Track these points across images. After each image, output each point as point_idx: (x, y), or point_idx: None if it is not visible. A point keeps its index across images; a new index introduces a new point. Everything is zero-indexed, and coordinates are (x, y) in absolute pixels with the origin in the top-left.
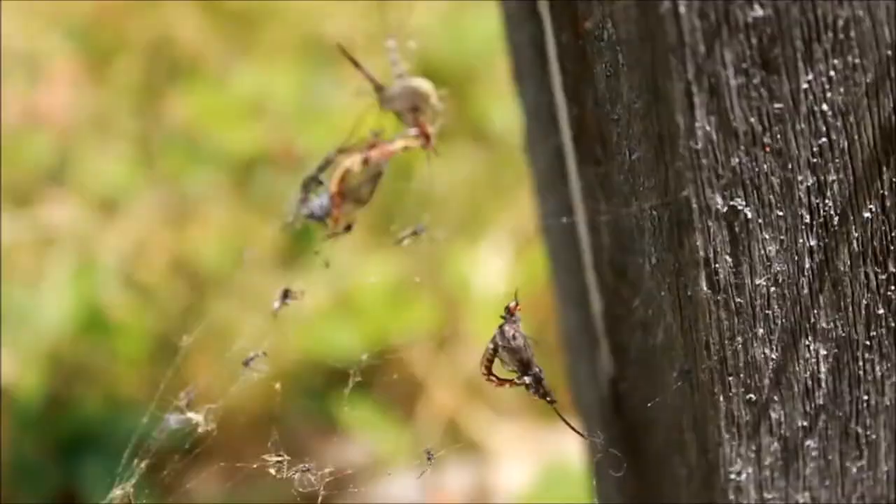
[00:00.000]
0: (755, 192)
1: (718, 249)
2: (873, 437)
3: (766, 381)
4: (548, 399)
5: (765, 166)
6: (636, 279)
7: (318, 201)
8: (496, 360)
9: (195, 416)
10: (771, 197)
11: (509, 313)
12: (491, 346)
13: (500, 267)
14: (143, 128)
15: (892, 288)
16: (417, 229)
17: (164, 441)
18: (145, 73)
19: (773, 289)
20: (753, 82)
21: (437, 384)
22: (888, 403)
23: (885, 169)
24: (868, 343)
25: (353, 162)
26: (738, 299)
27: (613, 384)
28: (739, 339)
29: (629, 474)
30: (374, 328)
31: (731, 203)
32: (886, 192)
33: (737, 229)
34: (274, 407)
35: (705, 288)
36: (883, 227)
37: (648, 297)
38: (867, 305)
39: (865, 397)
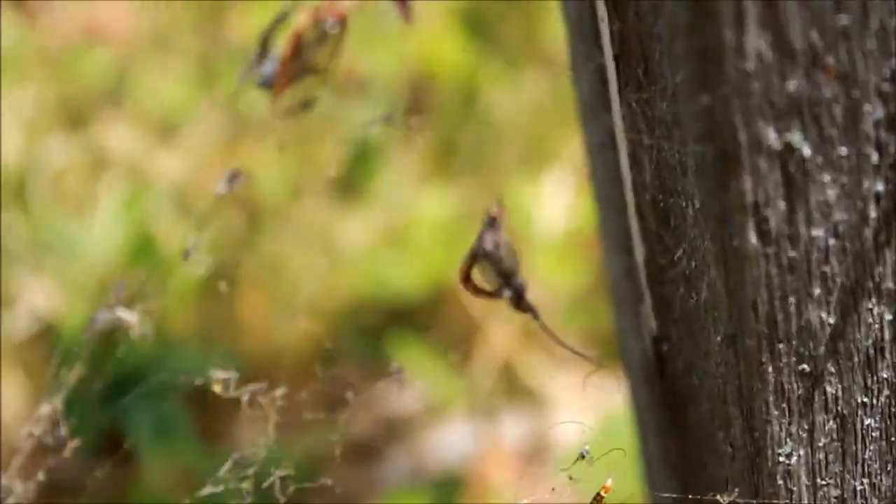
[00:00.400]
0: (815, 124)
1: (770, 193)
2: None
3: (822, 350)
4: (531, 314)
5: (827, 93)
6: (680, 225)
7: (270, 64)
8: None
9: (126, 315)
10: (833, 131)
11: (491, 219)
12: (470, 253)
13: (563, 202)
14: (203, 45)
15: None
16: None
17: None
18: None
19: (832, 241)
20: None
21: (494, 327)
22: None
23: None
24: None
25: (303, 23)
26: (791, 253)
27: (656, 343)
28: (792, 299)
29: (671, 443)
30: (430, 265)
31: (786, 138)
32: None
33: (792, 169)
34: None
35: (754, 239)
36: None
37: (692, 247)
38: None
39: None
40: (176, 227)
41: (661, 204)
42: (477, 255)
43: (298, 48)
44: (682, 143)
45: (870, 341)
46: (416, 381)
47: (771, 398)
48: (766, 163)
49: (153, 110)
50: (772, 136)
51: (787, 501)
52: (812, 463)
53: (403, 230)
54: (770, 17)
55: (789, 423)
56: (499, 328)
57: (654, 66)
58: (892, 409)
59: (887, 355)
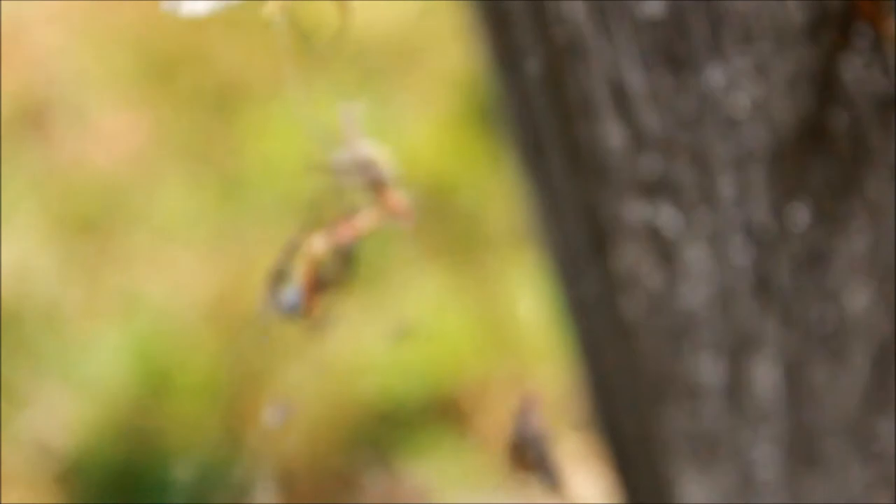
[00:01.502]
0: (677, 198)
1: (646, 265)
2: (838, 460)
3: (715, 407)
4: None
5: (682, 171)
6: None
7: (290, 296)
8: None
9: None
10: (694, 203)
11: (523, 407)
12: (510, 441)
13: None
14: (203, 162)
15: (839, 299)
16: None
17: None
18: (198, 105)
19: (711, 304)
20: (661, 82)
21: (497, 404)
22: (845, 422)
23: (811, 170)
24: (819, 357)
25: (318, 248)
26: (673, 318)
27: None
28: (680, 361)
29: None
30: (435, 370)
31: (654, 212)
32: (817, 194)
33: (663, 242)
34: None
35: (636, 307)
36: (820, 233)
37: (592, 322)
38: (816, 317)
39: (820, 417)
40: (189, 352)
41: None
42: (517, 444)
43: (317, 272)
44: (561, 230)
45: (759, 396)
46: (420, 465)
47: (670, 454)
48: (638, 237)
49: (154, 230)
50: (640, 212)
51: None
52: None
53: (409, 334)
54: (623, 108)
55: (693, 477)
56: (500, 406)
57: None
58: (790, 460)
59: (778, 408)
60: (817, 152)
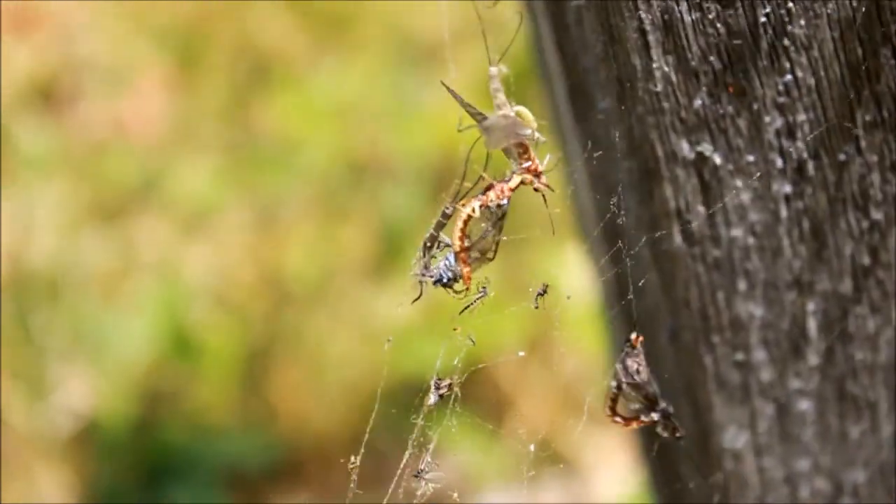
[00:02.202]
0: (722, 136)
1: (689, 199)
2: (872, 397)
3: (754, 340)
4: (677, 435)
5: (730, 108)
6: (622, 236)
7: (443, 262)
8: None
9: None
10: (739, 141)
11: (630, 346)
12: (614, 383)
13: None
14: (231, 137)
15: (877, 237)
16: (542, 291)
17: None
18: (233, 79)
19: (750, 240)
20: (709, 17)
21: (529, 395)
22: (884, 361)
23: (857, 108)
24: (856, 296)
25: (471, 208)
26: (715, 252)
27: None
28: (720, 294)
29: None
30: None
31: (698, 149)
32: (861, 133)
33: (706, 177)
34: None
35: (679, 241)
36: (861, 171)
37: (635, 257)
38: (851, 255)
39: (860, 355)
40: (209, 317)
41: (608, 218)
42: (621, 384)
43: (470, 239)
44: (615, 162)
45: (797, 331)
46: (454, 454)
47: (711, 387)
48: (683, 172)
49: (183, 204)
50: (686, 148)
51: (736, 480)
52: (756, 445)
53: (435, 306)
54: (672, 43)
55: (731, 410)
56: (536, 396)
57: (588, 96)
58: (825, 394)
59: (813, 343)
60: (862, 93)
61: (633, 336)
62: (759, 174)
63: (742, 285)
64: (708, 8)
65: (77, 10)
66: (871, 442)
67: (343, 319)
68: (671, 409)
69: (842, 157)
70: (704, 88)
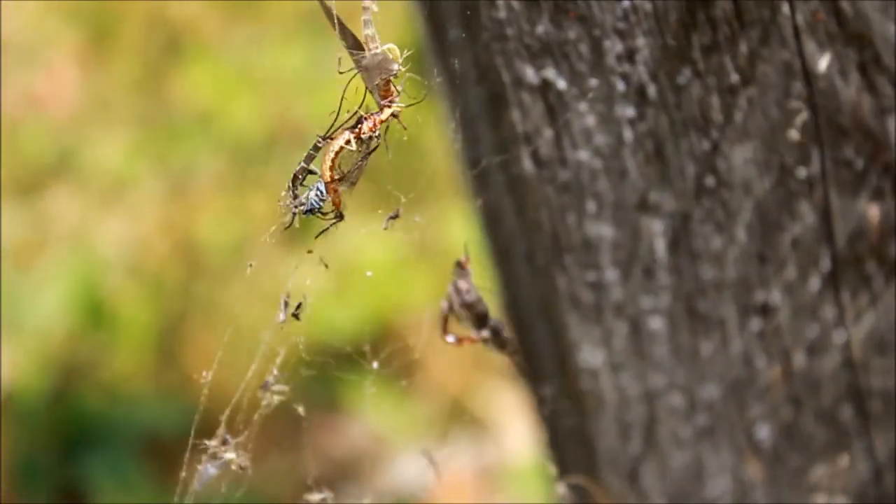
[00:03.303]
0: (565, 61)
1: (537, 123)
2: (720, 315)
3: (605, 260)
4: (507, 351)
5: (571, 34)
6: (481, 164)
7: (313, 192)
8: (452, 318)
9: (230, 456)
10: (582, 66)
11: (460, 267)
12: (445, 303)
13: None
14: (145, 110)
15: (719, 158)
16: (394, 214)
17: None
18: (146, 53)
19: (597, 162)
20: None
21: (439, 358)
22: (730, 279)
23: (693, 32)
24: (701, 216)
25: (344, 140)
26: (564, 175)
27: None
28: (571, 216)
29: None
30: (375, 306)
31: (543, 74)
32: (698, 56)
33: (552, 101)
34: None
35: (529, 165)
36: (699, 93)
37: (491, 184)
38: (695, 176)
39: (707, 274)
40: (124, 288)
41: (469, 150)
42: (452, 304)
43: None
44: (467, 91)
45: (645, 250)
46: (365, 417)
47: (565, 306)
48: (529, 97)
49: (98, 177)
50: (530, 74)
51: (594, 398)
52: (611, 363)
53: (345, 272)
54: None
55: (585, 329)
56: (441, 360)
57: (443, 28)
58: (675, 312)
59: (662, 262)
60: (696, 18)
61: (463, 258)
62: (602, 97)
63: (591, 207)
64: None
65: None
66: (722, 358)
67: (254, 287)
68: (501, 326)
69: (681, 80)
70: (546, 15)
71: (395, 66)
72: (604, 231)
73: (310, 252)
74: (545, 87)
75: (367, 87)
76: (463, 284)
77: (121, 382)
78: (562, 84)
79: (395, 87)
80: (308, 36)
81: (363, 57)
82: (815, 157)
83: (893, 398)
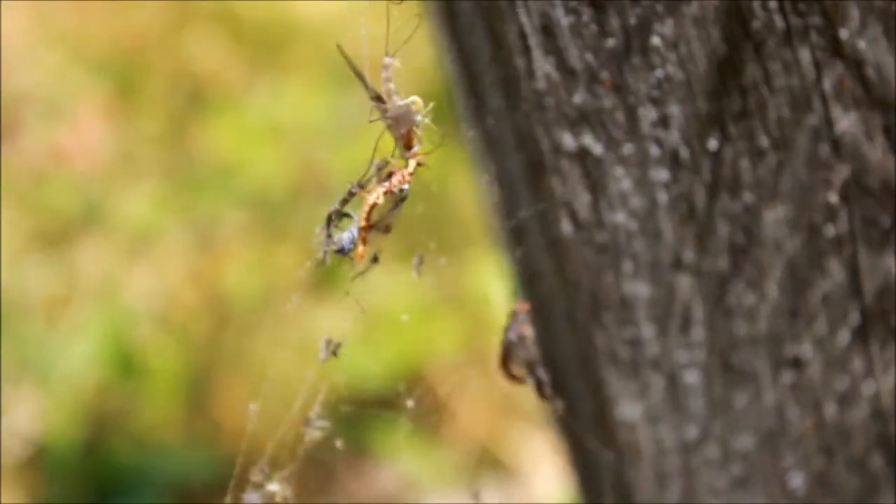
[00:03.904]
0: (602, 128)
1: (575, 188)
2: (754, 368)
3: (641, 317)
4: (551, 401)
5: (607, 102)
6: (521, 230)
7: (347, 234)
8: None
9: (274, 488)
10: (618, 132)
11: (514, 313)
12: (503, 343)
13: None
14: (170, 162)
15: (750, 217)
16: (419, 260)
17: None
18: (170, 105)
19: (633, 224)
20: (583, 20)
21: (468, 404)
22: (763, 334)
23: (724, 99)
24: (734, 274)
25: (377, 195)
26: (601, 236)
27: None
28: (609, 275)
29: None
30: (402, 353)
31: (581, 141)
32: (729, 122)
33: (589, 167)
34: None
35: (568, 227)
36: (731, 157)
37: (532, 245)
38: (728, 236)
39: (741, 329)
40: (153, 338)
41: (507, 211)
42: (508, 345)
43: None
44: (507, 155)
45: (681, 307)
46: (395, 463)
47: (604, 362)
48: (567, 163)
49: (125, 229)
50: (569, 141)
51: (632, 449)
52: (649, 416)
53: (377, 320)
54: (551, 44)
55: (623, 384)
56: (474, 404)
57: (481, 98)
58: (710, 366)
59: (697, 318)
60: (727, 85)
61: (516, 305)
62: (637, 162)
63: (628, 267)
64: (582, 11)
65: (13, 40)
66: (756, 410)
67: (283, 337)
68: (546, 377)
69: (712, 144)
70: (583, 85)
71: (419, 118)
72: (640, 290)
73: (346, 294)
74: (583, 153)
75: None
76: (514, 330)
77: (151, 433)
78: (599, 150)
79: (417, 137)
80: (331, 86)
81: (387, 109)
82: (843, 217)
83: None
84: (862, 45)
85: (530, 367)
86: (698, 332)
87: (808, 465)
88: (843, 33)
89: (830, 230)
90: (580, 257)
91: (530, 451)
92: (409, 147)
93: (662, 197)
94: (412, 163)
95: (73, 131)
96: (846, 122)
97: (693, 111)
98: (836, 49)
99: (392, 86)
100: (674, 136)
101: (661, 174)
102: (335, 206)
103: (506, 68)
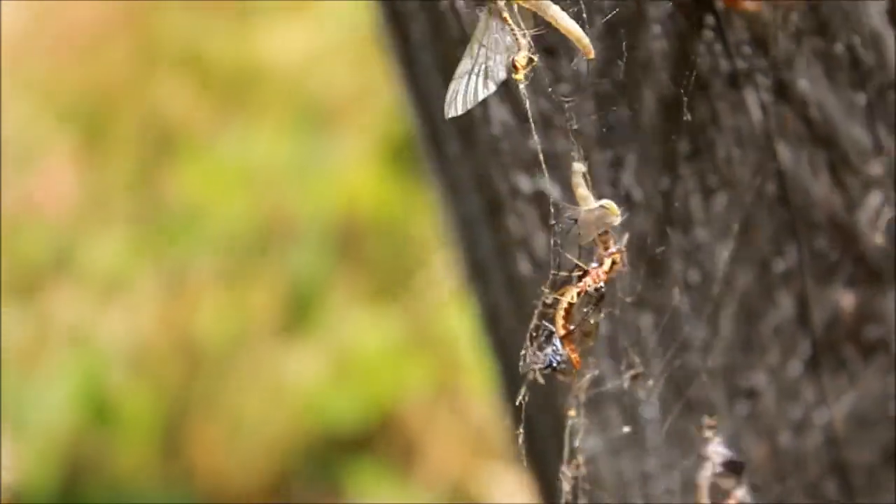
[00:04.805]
0: (556, 171)
1: (531, 229)
2: (709, 400)
3: (600, 353)
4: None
5: (561, 146)
6: (482, 270)
7: (550, 349)
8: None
9: None
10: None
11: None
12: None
13: None
14: (140, 207)
15: (702, 254)
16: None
17: None
18: (140, 151)
19: (589, 262)
20: (536, 67)
21: (440, 442)
22: (718, 367)
23: (674, 139)
24: (688, 309)
25: (570, 297)
26: (558, 275)
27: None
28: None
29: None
30: (374, 392)
31: (537, 184)
32: (679, 161)
33: (546, 208)
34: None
35: (526, 267)
36: (681, 195)
37: (492, 285)
38: (682, 272)
39: (696, 363)
40: (126, 383)
41: (468, 251)
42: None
43: (573, 322)
44: (466, 197)
45: (637, 343)
46: (368, 501)
47: (565, 401)
48: (524, 205)
49: (96, 275)
50: (525, 184)
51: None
52: (609, 449)
53: (348, 360)
54: (506, 93)
55: (585, 418)
56: (447, 442)
57: (442, 144)
58: (668, 399)
59: (652, 353)
60: (677, 126)
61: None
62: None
63: (584, 305)
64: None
65: None
66: (717, 441)
67: (256, 380)
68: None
69: (664, 184)
70: (537, 130)
71: (615, 220)
72: (598, 325)
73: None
74: (540, 195)
75: (579, 242)
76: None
77: (126, 477)
78: (555, 192)
79: (613, 238)
80: (299, 129)
81: (578, 212)
82: (791, 251)
83: (874, 471)
84: (804, 85)
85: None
86: (654, 366)
87: (766, 491)
88: (787, 75)
89: (780, 264)
90: (538, 295)
91: (501, 488)
92: (606, 248)
93: (616, 236)
94: (607, 261)
95: (43, 179)
96: (792, 159)
97: (644, 152)
98: (781, 90)
99: (583, 191)
100: (627, 177)
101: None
102: (534, 321)
103: (462, 115)
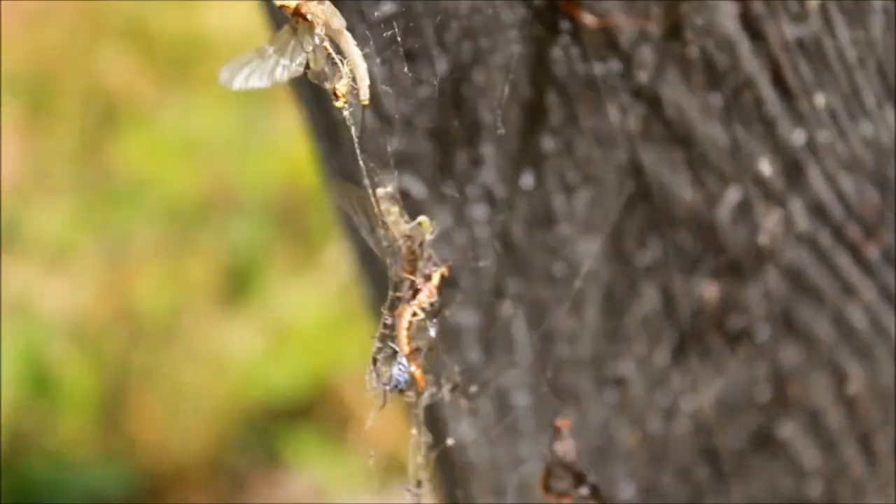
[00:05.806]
0: (420, 171)
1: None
2: (577, 390)
3: (471, 344)
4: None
5: (423, 146)
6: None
7: (397, 369)
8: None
9: None
10: (436, 174)
11: (557, 430)
12: (545, 465)
13: None
14: (84, 178)
15: (566, 249)
16: None
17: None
18: (83, 122)
19: (457, 258)
20: (396, 70)
21: (375, 412)
22: (585, 356)
23: (534, 139)
24: (555, 301)
25: (408, 315)
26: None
27: None
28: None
29: None
30: (312, 363)
31: (401, 183)
32: (540, 160)
33: (412, 208)
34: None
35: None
36: (544, 193)
37: (371, 277)
38: (546, 267)
39: (564, 353)
40: (67, 354)
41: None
42: (552, 466)
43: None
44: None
45: (508, 335)
46: (306, 470)
47: (439, 386)
48: (389, 204)
49: (39, 245)
50: (389, 184)
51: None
52: (484, 439)
53: (286, 331)
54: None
55: (456, 405)
56: (378, 414)
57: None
58: (538, 388)
59: (522, 345)
60: (537, 127)
61: (560, 421)
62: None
63: (458, 298)
64: (394, 62)
65: None
66: (583, 427)
67: (195, 351)
68: (598, 483)
69: (526, 181)
70: (399, 130)
71: (429, 235)
72: (470, 319)
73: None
74: (404, 194)
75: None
76: (560, 448)
77: (66, 448)
78: (419, 190)
79: (428, 252)
80: (241, 101)
81: (394, 235)
82: (655, 245)
83: (744, 457)
84: (661, 87)
85: (580, 478)
86: (523, 358)
87: (637, 476)
88: (643, 77)
89: (644, 258)
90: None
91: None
92: (432, 262)
93: (482, 233)
94: (435, 276)
95: None
96: (652, 158)
97: (505, 152)
98: (637, 91)
99: (395, 217)
100: (489, 176)
101: (479, 211)
102: (375, 343)
103: (327, 116)
